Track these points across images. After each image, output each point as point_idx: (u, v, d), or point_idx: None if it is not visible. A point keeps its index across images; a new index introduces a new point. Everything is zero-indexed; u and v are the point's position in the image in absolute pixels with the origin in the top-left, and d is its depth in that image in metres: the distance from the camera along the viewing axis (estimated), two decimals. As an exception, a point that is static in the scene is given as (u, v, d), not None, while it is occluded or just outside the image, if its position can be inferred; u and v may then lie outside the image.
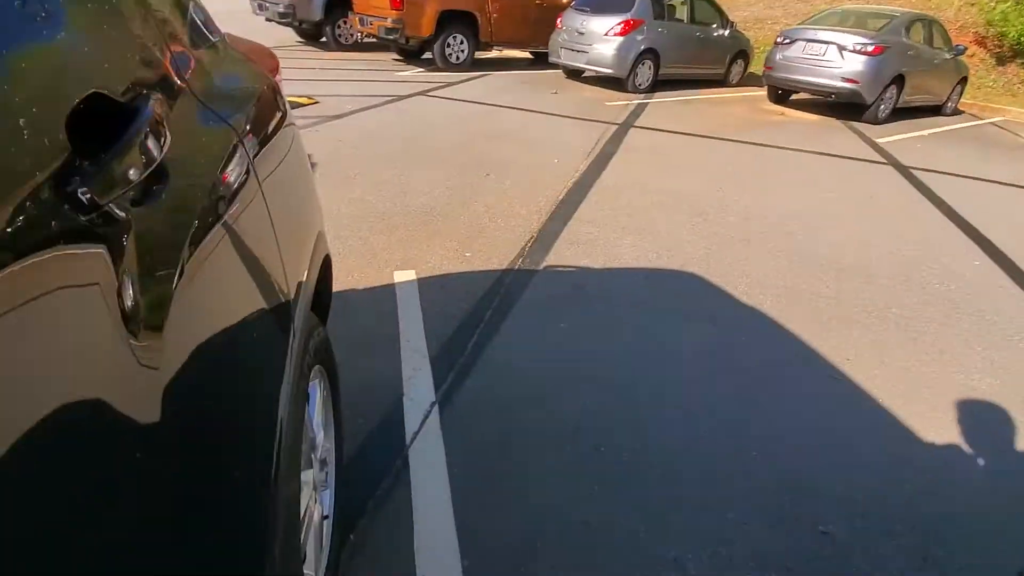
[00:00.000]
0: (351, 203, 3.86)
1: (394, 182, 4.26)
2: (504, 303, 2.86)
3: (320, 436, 1.50)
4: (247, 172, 1.00)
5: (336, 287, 3.02)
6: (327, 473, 1.62)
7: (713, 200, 4.54)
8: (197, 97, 0.93)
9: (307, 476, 1.38)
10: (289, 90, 6.92)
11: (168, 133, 0.71)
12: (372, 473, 1.91)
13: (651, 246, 3.64)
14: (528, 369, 2.40)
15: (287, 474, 1.06)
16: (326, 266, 1.50)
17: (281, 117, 1.39)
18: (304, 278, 1.24)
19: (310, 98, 6.69)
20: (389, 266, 3.13)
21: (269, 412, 0.99)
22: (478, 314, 2.75)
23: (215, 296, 0.81)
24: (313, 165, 4.64)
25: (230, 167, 0.94)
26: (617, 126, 6.65)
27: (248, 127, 1.08)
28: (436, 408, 2.17)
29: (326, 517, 1.58)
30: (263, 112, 1.26)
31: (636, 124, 6.85)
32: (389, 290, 2.91)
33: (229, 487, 0.83)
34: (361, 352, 2.46)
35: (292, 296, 1.10)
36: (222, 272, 0.84)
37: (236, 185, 0.95)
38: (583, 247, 3.55)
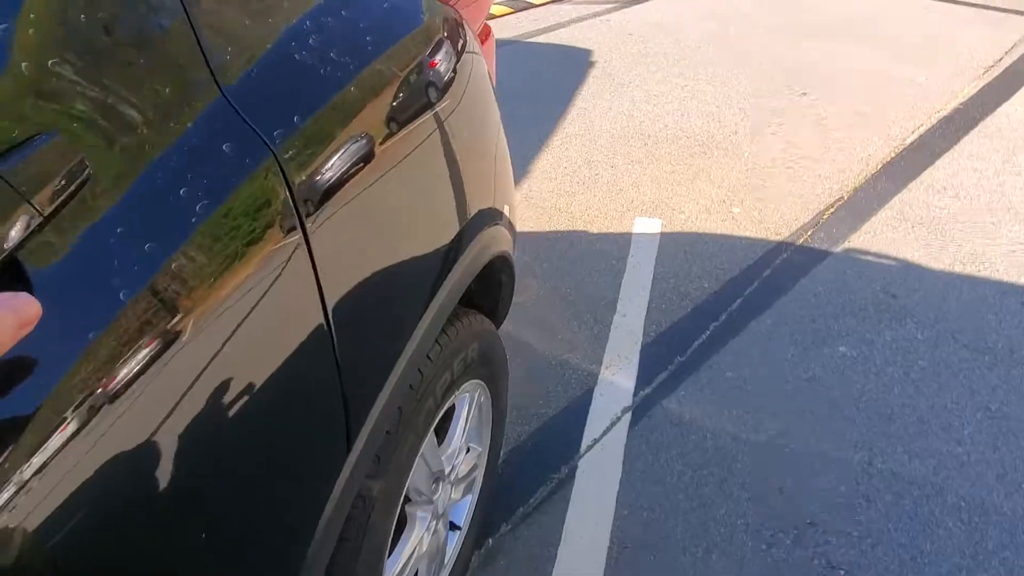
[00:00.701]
0: (615, 119, 3.35)
1: (673, 95, 3.60)
2: (763, 292, 2.22)
3: (460, 457, 1.25)
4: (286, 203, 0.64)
5: (566, 225, 2.69)
6: (474, 479, 1.39)
7: None
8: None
9: (424, 512, 1.15)
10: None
11: None
12: (532, 474, 1.64)
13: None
14: (765, 404, 1.82)
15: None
16: (492, 271, 1.14)
17: (445, 75, 0.96)
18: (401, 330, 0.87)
19: (613, -22, 6.01)
20: (633, 209, 2.65)
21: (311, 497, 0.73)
22: (722, 301, 2.18)
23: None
24: (591, 65, 4.17)
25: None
26: (1062, 20, 4.40)
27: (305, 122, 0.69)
28: (628, 417, 1.77)
29: (456, 528, 1.37)
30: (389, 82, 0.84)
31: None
32: (624, 241, 2.47)
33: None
34: (567, 315, 2.12)
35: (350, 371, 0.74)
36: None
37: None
38: (923, 229, 2.52)
